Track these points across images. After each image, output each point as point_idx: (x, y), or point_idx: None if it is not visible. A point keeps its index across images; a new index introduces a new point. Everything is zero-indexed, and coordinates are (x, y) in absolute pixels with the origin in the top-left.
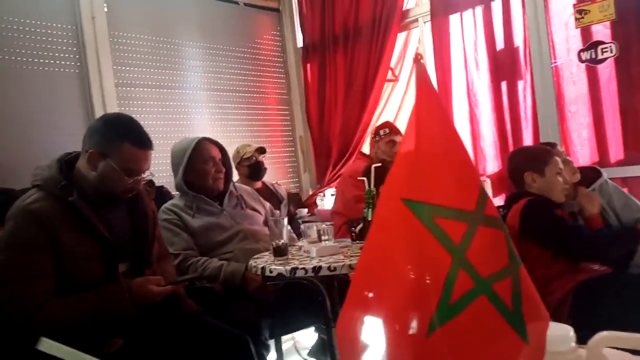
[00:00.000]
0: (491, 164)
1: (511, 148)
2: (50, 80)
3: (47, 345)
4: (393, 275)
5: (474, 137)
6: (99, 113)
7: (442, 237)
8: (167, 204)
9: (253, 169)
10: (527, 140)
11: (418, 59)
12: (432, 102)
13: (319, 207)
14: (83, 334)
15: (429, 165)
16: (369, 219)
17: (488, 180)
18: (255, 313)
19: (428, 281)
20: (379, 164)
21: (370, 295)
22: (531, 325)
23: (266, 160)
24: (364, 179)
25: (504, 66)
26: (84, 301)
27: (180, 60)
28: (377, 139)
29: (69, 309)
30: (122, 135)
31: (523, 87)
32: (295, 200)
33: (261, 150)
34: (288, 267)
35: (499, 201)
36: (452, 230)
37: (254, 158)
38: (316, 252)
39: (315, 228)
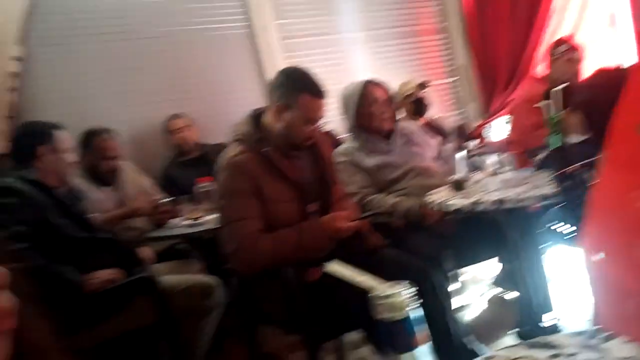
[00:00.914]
0: None
1: None
2: (223, 43)
3: (332, 267)
4: None
5: None
6: (267, 68)
7: None
8: (342, 147)
9: (416, 106)
10: None
11: None
12: None
13: (486, 139)
14: (288, 265)
15: None
16: (557, 145)
17: None
18: (436, 246)
19: None
20: (565, 85)
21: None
22: None
23: (428, 94)
24: (546, 103)
25: None
26: (286, 237)
27: (336, 5)
28: (554, 57)
29: (275, 244)
30: (301, 87)
31: None
32: (461, 133)
33: (422, 86)
34: (468, 201)
35: None
36: None
37: (416, 94)
38: (499, 184)
39: (491, 160)
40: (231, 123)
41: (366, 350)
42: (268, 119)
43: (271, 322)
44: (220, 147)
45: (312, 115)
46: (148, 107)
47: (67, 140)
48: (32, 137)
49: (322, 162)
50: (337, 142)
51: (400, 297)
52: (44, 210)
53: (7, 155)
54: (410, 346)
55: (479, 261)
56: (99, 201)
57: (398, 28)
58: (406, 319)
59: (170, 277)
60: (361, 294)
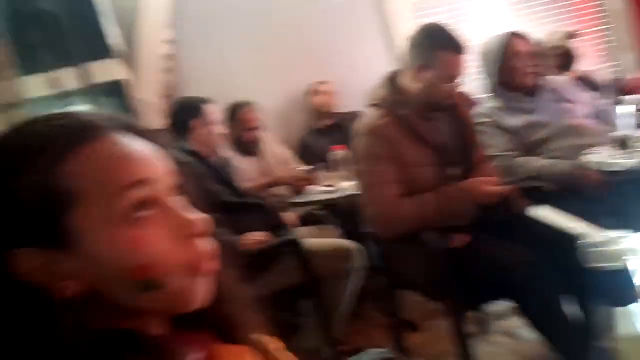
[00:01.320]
0: None
1: None
2: (351, 9)
3: (541, 212)
4: None
5: None
6: (397, 31)
7: None
8: (481, 108)
9: (563, 59)
10: None
11: None
12: None
13: None
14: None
15: None
16: None
17: None
18: (595, 212)
19: None
20: None
21: None
22: None
23: (578, 45)
24: None
25: None
26: (427, 201)
27: None
28: None
29: (415, 209)
30: (440, 43)
31: None
32: (618, 86)
33: (571, 36)
34: (634, 161)
35: None
36: None
37: (564, 46)
38: None
39: None
40: (361, 90)
41: (514, 322)
42: (406, 80)
43: (412, 288)
44: (352, 116)
45: (453, 73)
46: (285, 80)
47: (216, 113)
48: (186, 112)
49: (462, 124)
50: (472, 104)
51: (619, 246)
52: (203, 178)
53: (167, 131)
54: (631, 298)
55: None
56: (244, 170)
57: None
58: (625, 270)
59: (313, 240)
60: (512, 262)
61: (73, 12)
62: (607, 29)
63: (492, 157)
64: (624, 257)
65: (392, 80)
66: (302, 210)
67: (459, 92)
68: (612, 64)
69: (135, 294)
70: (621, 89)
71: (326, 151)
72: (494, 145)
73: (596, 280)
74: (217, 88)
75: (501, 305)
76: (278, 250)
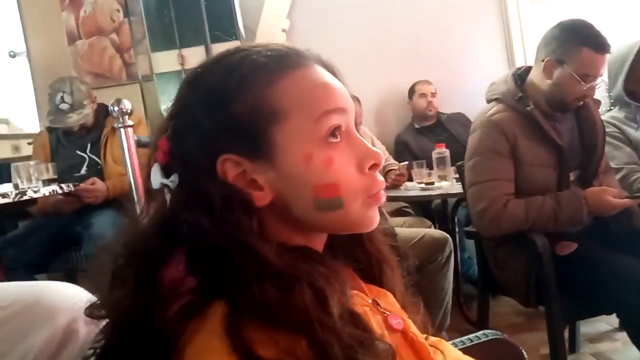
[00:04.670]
0: None
1: None
2: (468, 9)
3: None
4: None
5: None
6: (515, 37)
7: None
8: (605, 116)
9: None
10: None
11: None
12: None
13: None
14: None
15: None
16: None
17: None
18: None
19: None
20: None
21: None
22: None
23: None
24: None
25: None
26: (542, 204)
27: None
28: None
29: (528, 210)
30: (581, 40)
31: None
32: None
33: None
34: None
35: None
36: None
37: None
38: None
39: None
40: (469, 93)
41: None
42: (535, 75)
43: (508, 293)
44: (457, 117)
45: (592, 72)
46: (390, 76)
47: None
48: None
49: (591, 128)
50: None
51: None
52: None
53: None
54: None
55: None
56: None
57: None
58: None
59: (406, 229)
60: (621, 275)
61: None
62: None
63: (614, 169)
64: None
65: (518, 76)
66: (394, 205)
67: (592, 95)
68: None
69: (315, 211)
70: None
71: (423, 150)
72: (615, 156)
73: None
74: None
75: (594, 327)
76: None
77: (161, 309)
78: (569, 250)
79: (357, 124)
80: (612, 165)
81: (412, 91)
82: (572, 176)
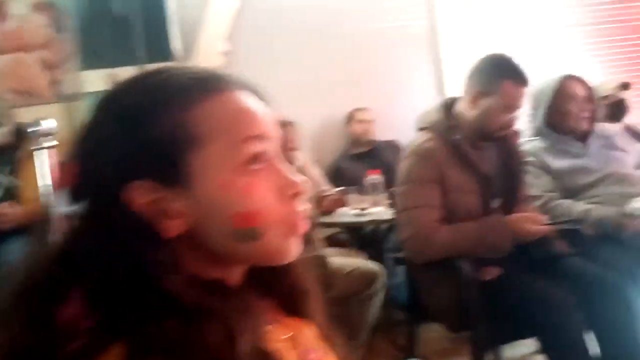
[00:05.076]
0: None
1: None
2: (403, 39)
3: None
4: None
5: None
6: (448, 65)
7: None
8: (527, 146)
9: (613, 108)
10: None
11: None
12: None
13: None
14: (463, 259)
15: None
16: None
17: None
18: (633, 259)
19: None
20: None
21: None
22: None
23: (630, 97)
24: None
25: None
26: (467, 230)
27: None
28: None
29: (455, 236)
30: (503, 73)
31: None
32: None
33: (624, 87)
34: None
35: None
36: None
37: (616, 95)
38: None
39: None
40: (401, 120)
41: None
42: (463, 106)
43: (436, 318)
44: (391, 144)
45: (513, 103)
46: (328, 102)
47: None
48: None
49: (512, 157)
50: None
51: None
52: None
53: None
54: None
55: None
56: None
57: (601, 25)
58: None
59: (338, 259)
60: (540, 299)
61: (143, 15)
62: None
63: (534, 197)
64: None
65: (447, 106)
66: (327, 232)
67: (514, 125)
68: None
69: (232, 242)
70: None
71: (359, 176)
72: (536, 184)
73: None
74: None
75: (517, 350)
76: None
77: (54, 352)
78: (493, 276)
79: (290, 149)
80: (533, 193)
81: (350, 117)
82: (495, 203)
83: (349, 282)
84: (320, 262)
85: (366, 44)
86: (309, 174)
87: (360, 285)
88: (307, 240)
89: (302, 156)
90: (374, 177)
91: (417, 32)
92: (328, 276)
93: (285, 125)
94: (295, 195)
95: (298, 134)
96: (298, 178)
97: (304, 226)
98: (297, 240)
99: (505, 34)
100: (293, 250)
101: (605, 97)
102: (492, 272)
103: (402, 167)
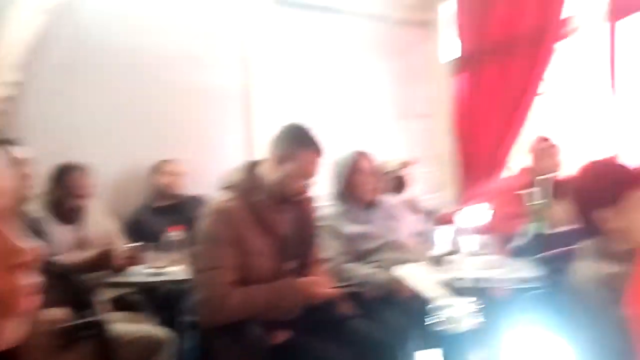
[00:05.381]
0: None
1: None
2: (217, 97)
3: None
4: None
5: None
6: (258, 128)
7: None
8: (323, 212)
9: (396, 182)
10: None
11: None
12: None
13: (458, 224)
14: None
15: None
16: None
17: None
18: (405, 322)
19: None
20: (553, 174)
21: None
22: None
23: (410, 173)
24: (530, 191)
25: None
26: (259, 293)
27: (327, 76)
28: (538, 153)
29: (246, 300)
30: (303, 142)
31: None
32: (434, 215)
33: (405, 164)
34: (445, 277)
35: None
36: None
37: (399, 171)
38: (477, 265)
39: (470, 242)
40: (210, 175)
41: None
42: (265, 168)
43: None
44: (195, 200)
45: (308, 171)
46: (132, 150)
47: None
48: None
49: (306, 221)
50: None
51: (461, 311)
52: None
53: None
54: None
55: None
56: (57, 238)
57: (392, 107)
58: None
59: (121, 325)
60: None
61: None
62: (436, 165)
63: (326, 259)
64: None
65: (250, 167)
66: (116, 292)
67: (309, 191)
68: (436, 195)
69: None
70: (438, 217)
71: (159, 231)
72: (329, 247)
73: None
74: (54, 142)
75: None
76: (78, 331)
77: None
78: (282, 339)
79: (80, 196)
80: (325, 255)
81: (156, 168)
82: (289, 266)
83: (131, 351)
84: (98, 329)
85: (181, 95)
86: (101, 226)
87: (144, 354)
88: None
89: (96, 205)
90: (176, 233)
91: (232, 90)
92: (107, 345)
93: (22, 163)
94: (18, 265)
95: (91, 180)
96: (24, 245)
97: (26, 304)
98: (16, 321)
99: (314, 102)
100: (8, 333)
101: (390, 172)
102: (281, 336)
103: (200, 226)
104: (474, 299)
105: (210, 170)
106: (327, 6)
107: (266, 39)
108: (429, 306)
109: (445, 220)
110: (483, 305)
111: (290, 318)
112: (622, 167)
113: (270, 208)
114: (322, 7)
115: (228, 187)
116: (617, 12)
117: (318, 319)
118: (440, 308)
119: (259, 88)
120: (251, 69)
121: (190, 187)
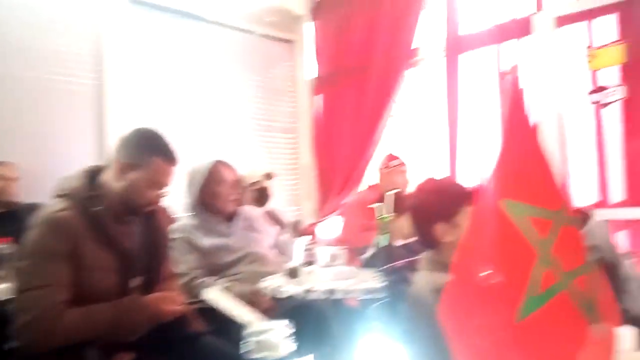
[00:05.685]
0: None
1: None
2: (68, 96)
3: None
4: (487, 269)
5: None
6: (111, 131)
7: (531, 234)
8: (177, 224)
9: (259, 194)
10: None
11: (511, 72)
12: (523, 116)
13: (318, 236)
14: (95, 345)
15: (525, 170)
16: (384, 244)
17: None
18: None
19: (516, 275)
20: (397, 190)
21: (468, 287)
22: (604, 324)
23: (272, 185)
24: (378, 205)
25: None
26: (100, 313)
27: (193, 88)
28: (386, 169)
29: (83, 321)
30: (153, 149)
31: None
32: (297, 227)
33: (268, 176)
34: (300, 289)
35: None
36: (539, 228)
37: (261, 183)
38: (330, 276)
39: (324, 253)
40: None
41: None
42: (108, 176)
43: None
44: (31, 208)
45: (161, 180)
46: None
47: None
48: None
49: (157, 234)
50: (171, 220)
51: (277, 336)
52: None
53: None
54: None
55: (304, 355)
56: None
57: (251, 120)
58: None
59: None
60: None
61: None
62: (297, 178)
63: (179, 274)
64: (280, 347)
65: (90, 173)
66: None
67: (161, 202)
68: (296, 207)
69: None
70: (299, 229)
71: None
72: (183, 261)
73: None
74: None
75: None
76: None
77: None
78: None
79: None
80: (179, 270)
81: None
82: (135, 282)
83: None
84: None
85: (20, 89)
86: None
87: None
88: None
89: None
90: (3, 245)
91: (83, 88)
92: None
93: None
94: None
95: None
96: None
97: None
98: None
99: (172, 108)
100: None
101: (253, 183)
102: (124, 357)
103: (27, 237)
104: (288, 322)
105: (52, 175)
106: (190, 12)
107: (122, 39)
108: (244, 331)
109: (306, 232)
110: (294, 330)
111: (135, 338)
112: (456, 185)
113: (114, 219)
114: (184, 12)
115: (62, 195)
116: (455, 48)
117: (166, 337)
118: (254, 334)
119: (114, 89)
120: (105, 68)
121: (26, 194)
